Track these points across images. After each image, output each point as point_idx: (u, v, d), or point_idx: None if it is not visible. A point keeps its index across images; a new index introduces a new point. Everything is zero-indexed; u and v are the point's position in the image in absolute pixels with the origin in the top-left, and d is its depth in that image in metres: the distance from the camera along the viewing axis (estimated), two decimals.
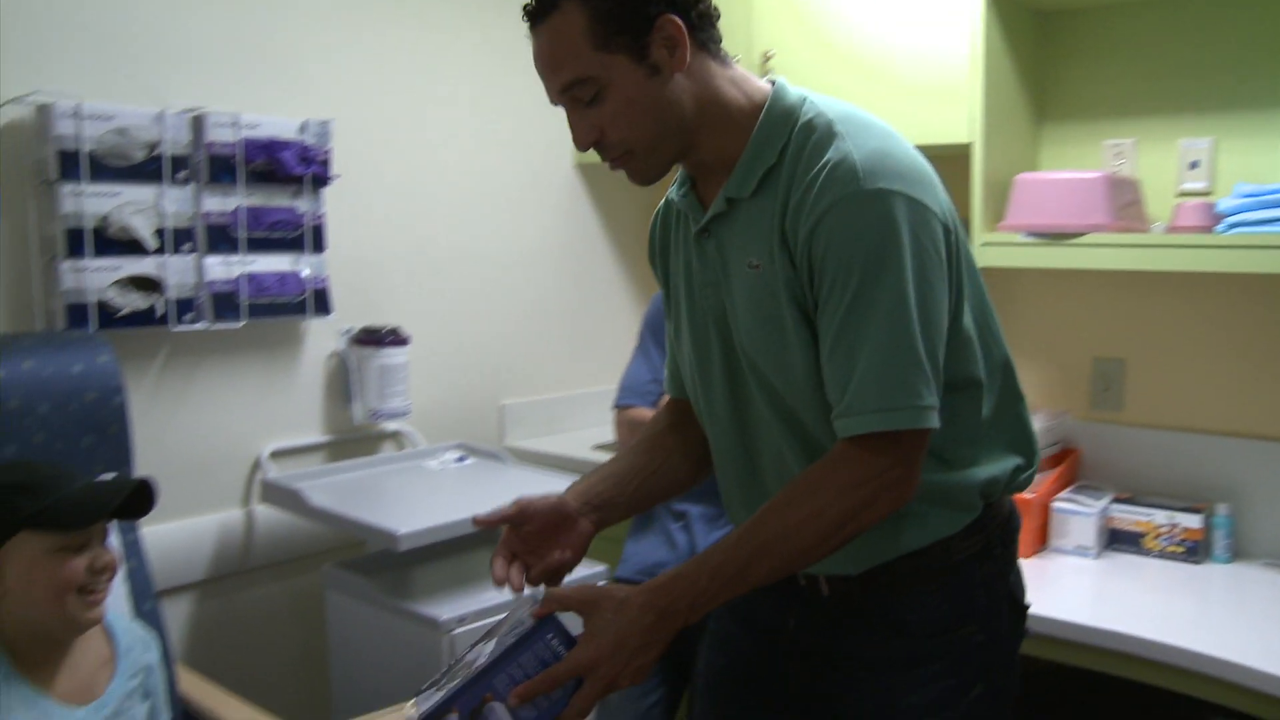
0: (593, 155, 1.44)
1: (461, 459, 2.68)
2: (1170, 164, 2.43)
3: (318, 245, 2.51)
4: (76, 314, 2.14)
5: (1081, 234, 2.24)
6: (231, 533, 2.49)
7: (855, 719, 1.54)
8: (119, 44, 2.25)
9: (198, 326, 2.32)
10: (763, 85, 1.43)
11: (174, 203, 2.27)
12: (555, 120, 1.53)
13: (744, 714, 1.65)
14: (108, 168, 2.17)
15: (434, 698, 1.31)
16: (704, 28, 1.38)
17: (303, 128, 2.46)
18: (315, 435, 2.65)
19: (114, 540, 1.65)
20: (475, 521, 1.49)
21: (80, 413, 1.91)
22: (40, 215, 2.15)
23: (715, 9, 1.40)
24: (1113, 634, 1.94)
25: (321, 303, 2.51)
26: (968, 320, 1.40)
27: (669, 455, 1.63)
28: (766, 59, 2.67)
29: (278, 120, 2.42)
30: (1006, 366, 1.49)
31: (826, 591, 1.50)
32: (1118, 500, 2.40)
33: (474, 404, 3.00)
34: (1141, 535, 2.34)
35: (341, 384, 2.67)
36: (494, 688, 1.30)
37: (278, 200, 2.44)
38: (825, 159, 1.32)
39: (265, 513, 2.52)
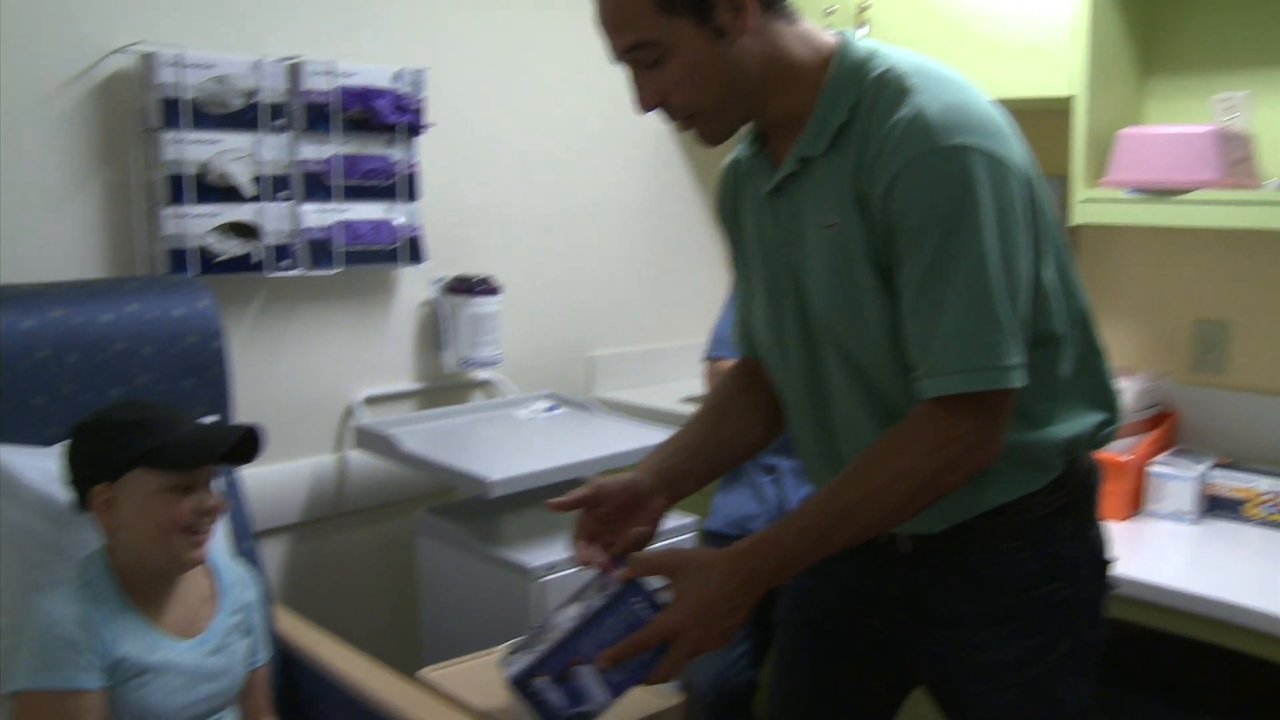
0: None
1: (551, 408, 2.70)
2: None
3: (411, 194, 2.52)
4: (177, 259, 2.18)
5: (1187, 190, 2.17)
6: (325, 477, 2.54)
7: (937, 676, 1.54)
8: None
9: (293, 273, 2.35)
10: (830, 39, 1.40)
11: (271, 150, 2.30)
12: None
13: (823, 669, 1.65)
14: (207, 115, 2.20)
15: (522, 661, 1.33)
16: None
17: (397, 76, 2.47)
18: (407, 383, 2.69)
19: (216, 482, 1.69)
20: (550, 505, 1.50)
21: (181, 355, 1.95)
22: (143, 163, 2.20)
23: None
24: (1210, 600, 1.90)
25: (414, 251, 2.53)
26: (1048, 274, 1.37)
27: (740, 419, 1.63)
28: (862, 10, 2.62)
29: (373, 69, 2.43)
30: (1086, 320, 1.45)
31: (906, 549, 1.49)
32: (1218, 466, 2.34)
33: (563, 355, 3.02)
34: (1242, 502, 2.28)
35: (433, 332, 2.70)
36: (581, 651, 1.32)
37: (372, 148, 2.46)
38: (898, 115, 1.29)
39: (358, 458, 2.57)
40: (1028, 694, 1.46)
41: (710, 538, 2.47)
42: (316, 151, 2.36)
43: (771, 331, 1.51)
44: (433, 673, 1.86)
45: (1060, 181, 2.29)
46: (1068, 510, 1.45)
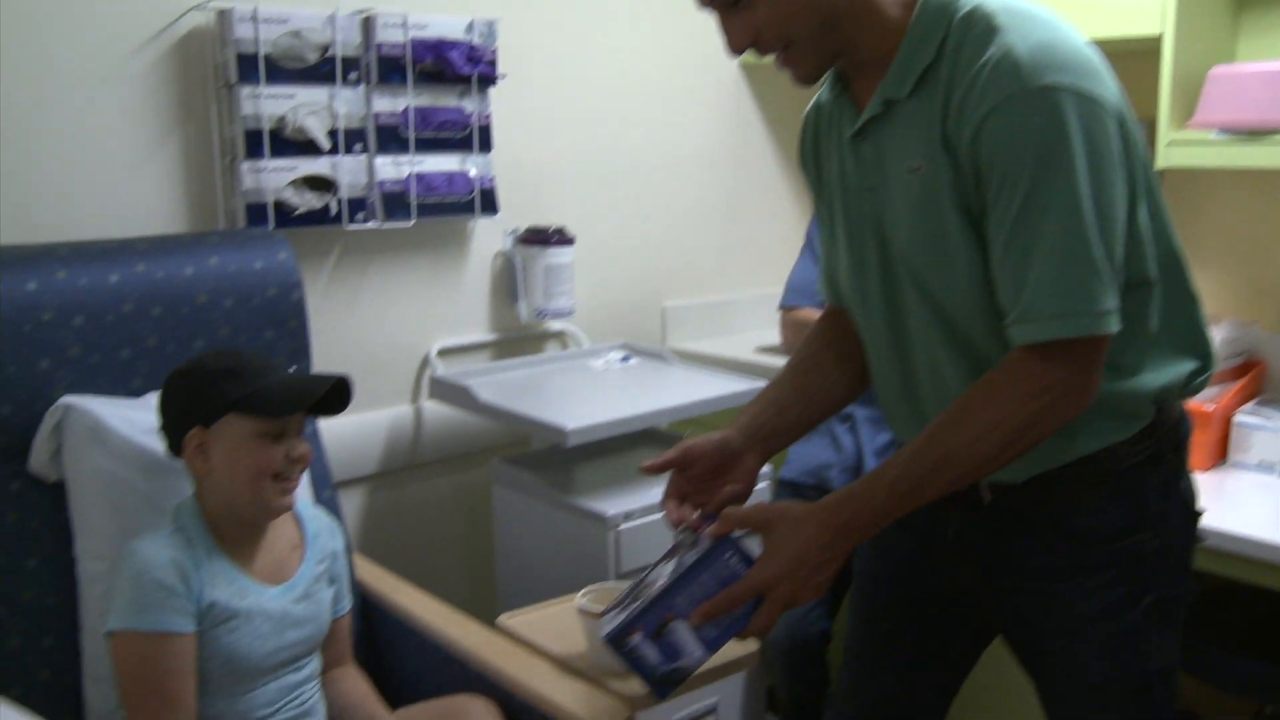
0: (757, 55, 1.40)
1: (626, 359, 2.70)
2: None
3: (484, 145, 2.52)
4: (256, 213, 2.21)
5: None
6: (401, 428, 2.57)
7: (1017, 628, 1.53)
8: None
9: (369, 225, 2.37)
10: None
11: (345, 104, 2.31)
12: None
13: (900, 619, 1.65)
14: (283, 70, 2.21)
15: (617, 619, 1.35)
16: None
17: (469, 28, 2.47)
18: (481, 334, 2.70)
19: None
20: (643, 468, 1.50)
21: (262, 307, 1.98)
22: (221, 118, 2.22)
23: None
24: None
25: (488, 202, 2.54)
26: (1141, 216, 1.33)
27: (828, 375, 1.62)
28: None
29: (445, 20, 2.43)
30: (1179, 265, 1.41)
31: (988, 499, 1.47)
32: None
33: (637, 305, 3.01)
34: None
35: (507, 283, 2.71)
36: (675, 607, 1.33)
37: (445, 100, 2.46)
38: (987, 55, 1.26)
39: (433, 409, 2.59)
40: (1110, 648, 1.44)
41: (786, 487, 2.47)
42: (390, 104, 2.37)
43: (854, 278, 1.49)
44: (510, 620, 1.89)
45: (1146, 125, 2.23)
46: (1156, 460, 1.42)
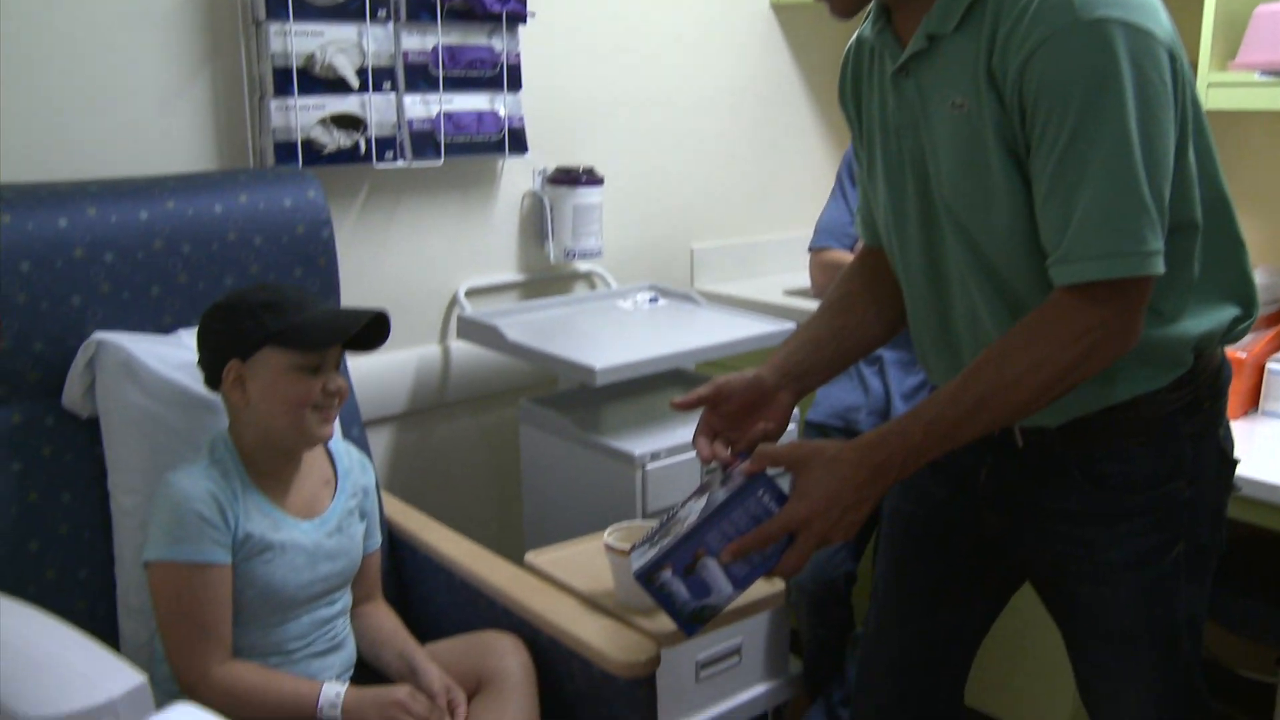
0: None
1: (654, 300, 2.70)
2: None
3: (514, 84, 2.51)
4: (284, 151, 2.20)
5: None
6: (429, 368, 2.58)
7: (1047, 573, 1.52)
8: None
9: (398, 164, 2.36)
10: None
11: (374, 41, 2.29)
12: None
13: (929, 562, 1.64)
14: (312, 6, 2.20)
15: (648, 555, 1.35)
16: None
17: None
18: (509, 274, 2.70)
19: None
20: (674, 405, 1.49)
21: (291, 245, 1.98)
22: (250, 55, 2.21)
23: None
24: None
25: (517, 142, 2.53)
26: (1190, 157, 1.30)
27: (863, 315, 1.60)
28: None
29: None
30: (1225, 208, 1.38)
31: (1022, 444, 1.46)
32: None
33: (665, 247, 3.00)
34: None
35: (536, 223, 2.70)
36: (707, 544, 1.32)
37: (474, 39, 2.44)
38: None
39: (461, 349, 2.60)
40: (1139, 596, 1.44)
41: (813, 429, 2.47)
42: (420, 42, 2.36)
43: (891, 218, 1.47)
44: (538, 557, 1.90)
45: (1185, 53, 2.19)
46: (1194, 407, 1.40)
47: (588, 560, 1.87)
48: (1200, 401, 1.41)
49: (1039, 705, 2.48)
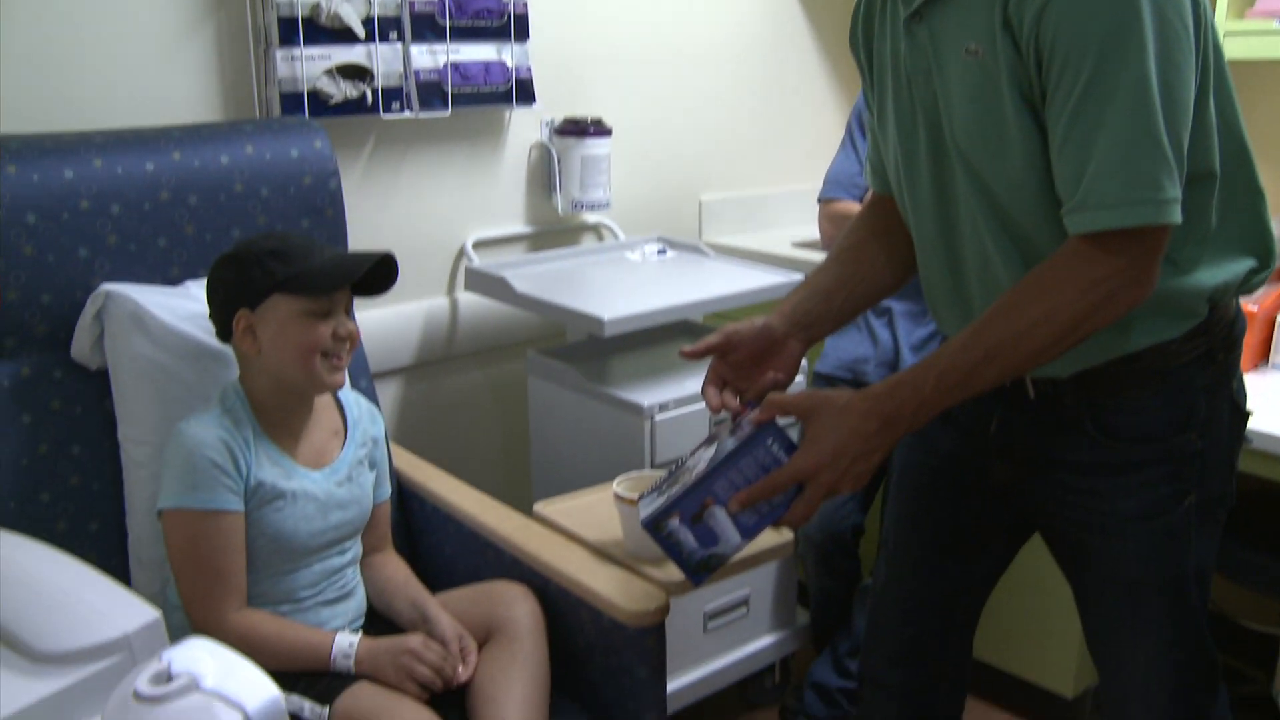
0: None
1: (662, 251, 2.69)
2: None
3: (521, 34, 2.48)
4: (291, 102, 2.19)
5: None
6: (437, 319, 2.57)
7: (1056, 524, 1.52)
8: None
9: (405, 115, 2.35)
10: None
11: None
12: None
13: (940, 510, 1.64)
14: None
15: (656, 503, 1.34)
16: None
17: None
18: (517, 226, 2.69)
19: None
20: (683, 353, 1.49)
21: (298, 196, 1.97)
22: (255, 4, 2.19)
23: None
24: None
25: (525, 92, 2.51)
26: (1209, 103, 1.28)
27: (873, 263, 1.58)
28: None
29: None
30: (1245, 158, 1.37)
31: (1033, 394, 1.45)
32: None
33: (673, 198, 2.99)
34: None
35: (543, 175, 2.69)
36: (715, 492, 1.32)
37: None
38: None
39: (469, 300, 2.59)
40: (1149, 547, 1.43)
41: (821, 380, 2.47)
42: None
43: (903, 167, 1.46)
44: (546, 507, 1.90)
45: None
46: (1208, 358, 1.39)
47: (596, 510, 1.88)
48: (1214, 353, 1.40)
49: (1046, 658, 2.50)
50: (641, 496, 1.42)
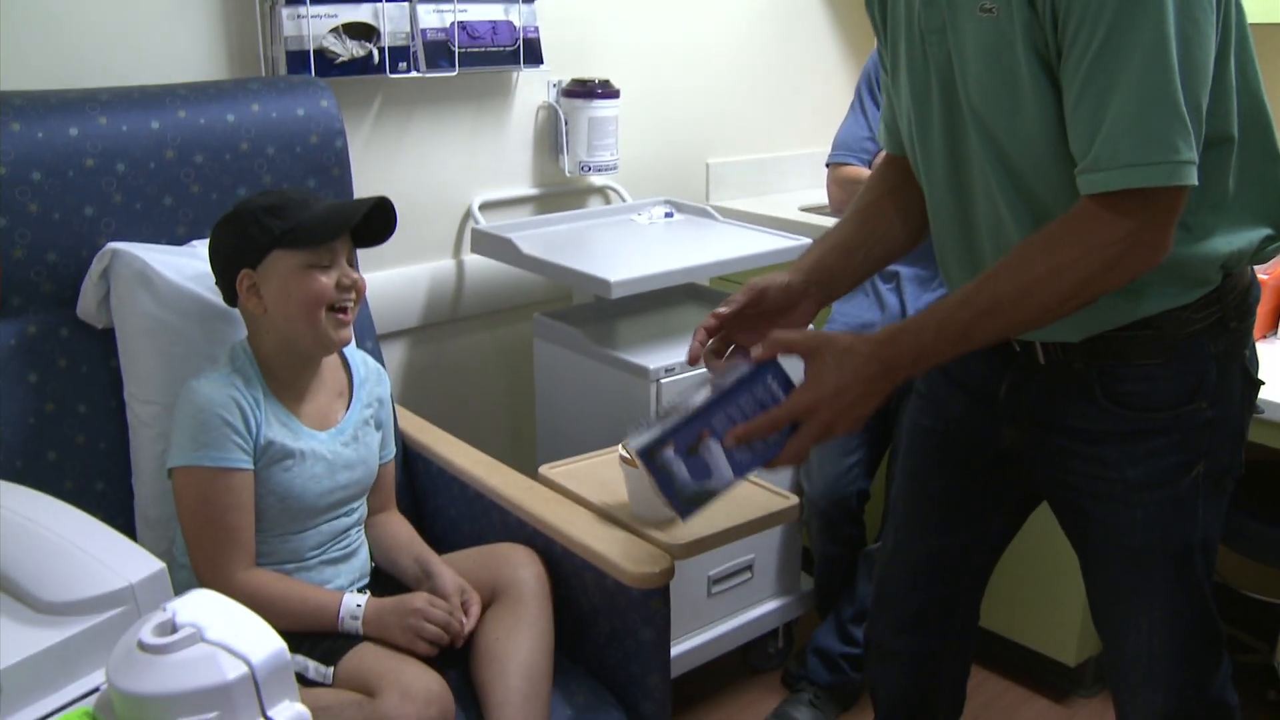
0: None
1: (669, 214, 2.68)
2: None
3: None
4: (297, 61, 2.17)
5: None
6: (443, 281, 2.57)
7: (1063, 490, 1.52)
8: None
9: (411, 75, 2.33)
10: None
11: None
12: None
13: (948, 476, 1.64)
14: None
15: (652, 431, 1.33)
16: None
17: None
18: (524, 187, 2.68)
19: None
20: (714, 317, 1.46)
21: (305, 155, 1.96)
22: None
23: None
24: None
25: (532, 53, 2.49)
26: (1229, 66, 1.26)
27: (889, 221, 1.57)
28: None
29: None
30: (1265, 123, 1.34)
31: (1043, 360, 1.45)
32: None
33: (680, 162, 2.97)
34: None
35: (550, 137, 2.67)
36: (711, 425, 1.32)
37: None
38: None
39: (475, 262, 2.58)
40: (1155, 515, 1.43)
41: None
42: None
43: (917, 127, 1.44)
44: (551, 470, 1.90)
45: None
46: (1220, 326, 1.38)
47: (601, 473, 1.88)
48: (1227, 321, 1.39)
49: (1048, 626, 2.50)
50: (631, 431, 1.41)
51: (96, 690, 1.07)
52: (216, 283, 1.69)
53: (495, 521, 1.87)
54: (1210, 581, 1.49)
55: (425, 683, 1.50)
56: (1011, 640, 2.58)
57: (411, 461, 2.07)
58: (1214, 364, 1.39)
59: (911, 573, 1.70)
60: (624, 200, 2.81)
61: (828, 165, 2.49)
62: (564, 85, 2.63)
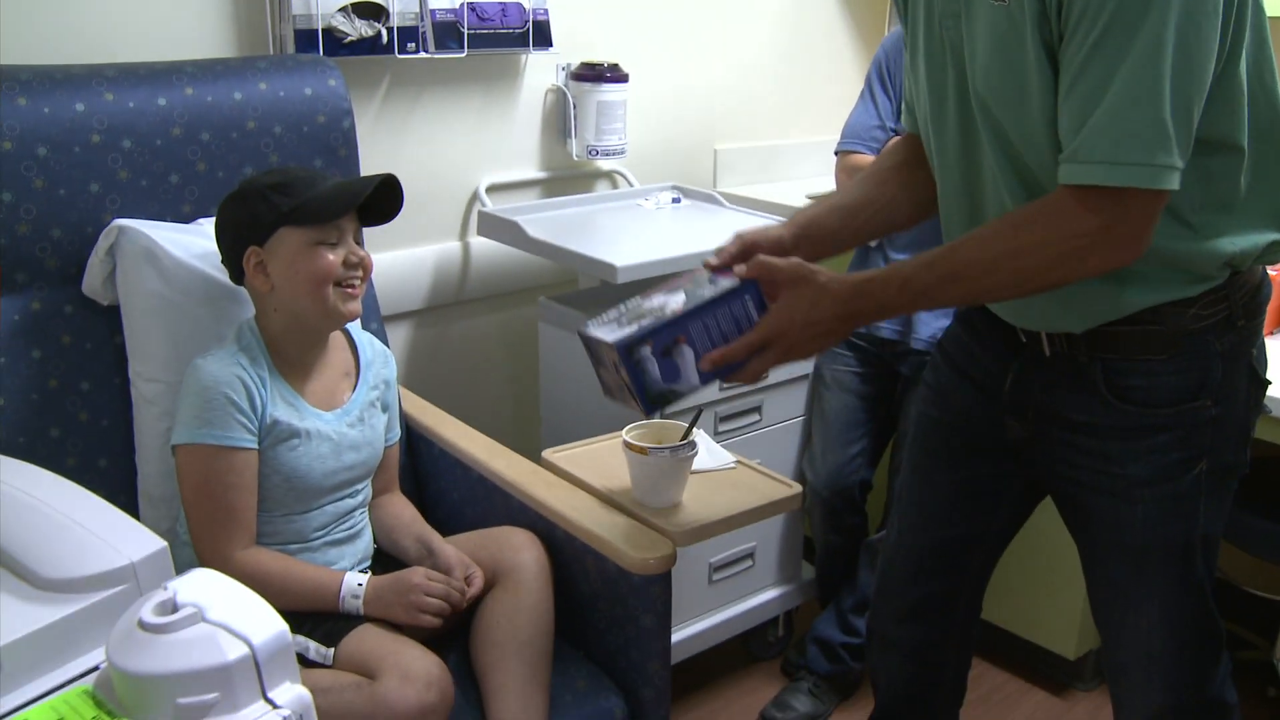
0: None
1: (676, 200, 2.67)
2: None
3: None
4: (305, 39, 2.16)
5: None
6: (449, 264, 2.56)
7: (1066, 485, 1.51)
8: None
9: (420, 55, 2.32)
10: None
11: None
12: None
13: (953, 467, 1.64)
14: None
15: (630, 329, 1.38)
16: None
17: None
18: (531, 171, 2.67)
19: None
20: (706, 266, 1.48)
21: (312, 134, 1.95)
22: None
23: None
24: None
25: (541, 35, 2.48)
26: (1241, 70, 1.25)
27: (896, 192, 1.59)
28: None
29: None
30: (1278, 127, 1.33)
31: (1048, 351, 1.45)
32: None
33: (688, 147, 2.96)
34: None
35: (558, 120, 2.67)
36: (688, 332, 1.39)
37: None
38: None
39: (481, 245, 2.58)
40: (1157, 512, 1.43)
41: None
42: None
43: (931, 110, 1.44)
44: (554, 455, 1.90)
45: None
46: (1227, 324, 1.38)
47: (604, 458, 1.88)
48: (1234, 319, 1.39)
49: (1048, 619, 2.50)
50: (590, 322, 1.46)
51: (96, 669, 1.06)
52: (223, 260, 1.69)
53: (498, 505, 1.87)
54: (1211, 579, 1.48)
55: (425, 665, 1.50)
56: (1011, 632, 2.58)
57: (415, 444, 2.07)
58: (1219, 361, 1.39)
59: (915, 563, 1.70)
60: (631, 185, 2.80)
61: (836, 153, 2.48)
62: (573, 69, 2.62)
